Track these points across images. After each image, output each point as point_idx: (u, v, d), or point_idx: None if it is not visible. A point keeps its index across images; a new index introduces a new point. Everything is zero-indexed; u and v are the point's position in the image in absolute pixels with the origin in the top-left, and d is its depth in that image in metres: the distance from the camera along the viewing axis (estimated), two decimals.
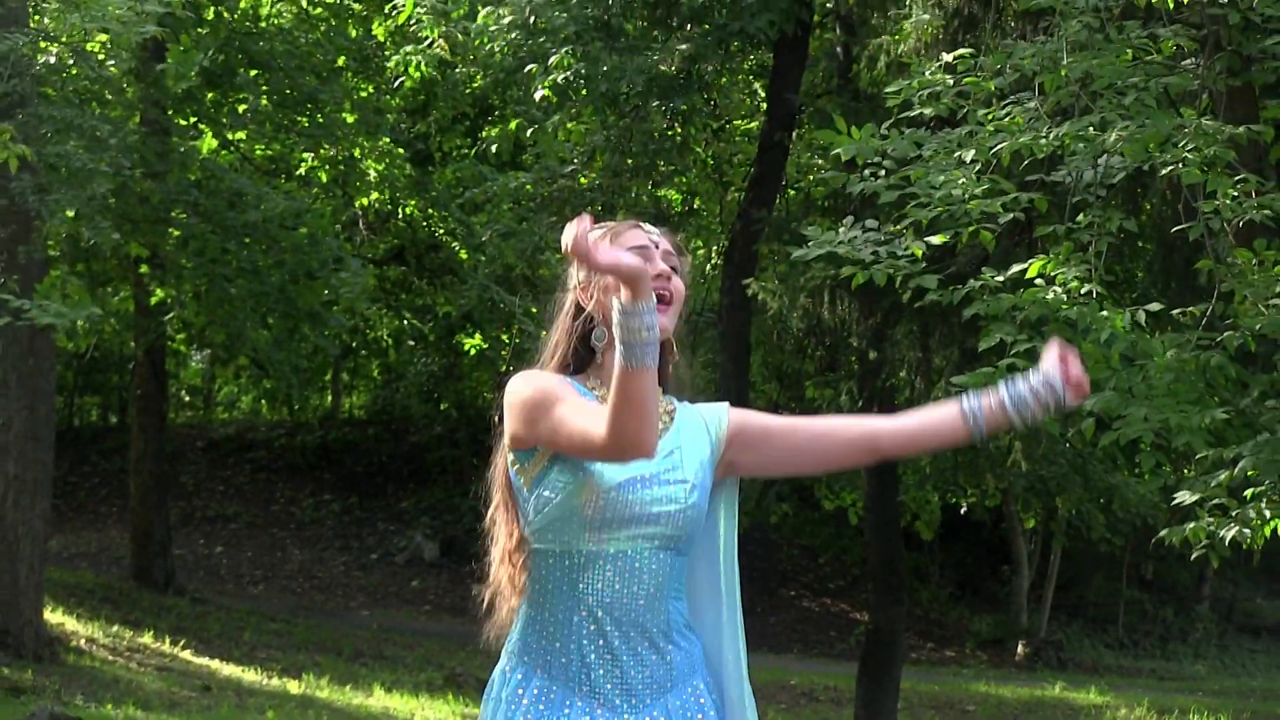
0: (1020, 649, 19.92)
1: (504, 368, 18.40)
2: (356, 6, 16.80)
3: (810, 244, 6.52)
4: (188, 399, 26.04)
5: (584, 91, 11.00)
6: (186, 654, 13.02)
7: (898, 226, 6.51)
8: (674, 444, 2.81)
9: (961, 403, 2.76)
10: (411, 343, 22.54)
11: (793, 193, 13.27)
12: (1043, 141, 6.21)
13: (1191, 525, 6.41)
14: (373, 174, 15.79)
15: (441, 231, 16.62)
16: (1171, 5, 6.49)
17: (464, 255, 15.29)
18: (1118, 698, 16.32)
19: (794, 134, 12.65)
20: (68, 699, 10.34)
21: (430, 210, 16.28)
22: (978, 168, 6.33)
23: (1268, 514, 6.32)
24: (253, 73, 14.71)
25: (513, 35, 10.91)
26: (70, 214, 10.58)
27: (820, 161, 12.26)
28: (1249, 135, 6.24)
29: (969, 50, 6.70)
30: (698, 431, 2.85)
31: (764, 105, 13.23)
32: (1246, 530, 6.31)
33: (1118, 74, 6.22)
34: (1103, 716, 15.40)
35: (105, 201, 11.36)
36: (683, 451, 2.80)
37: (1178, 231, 6.60)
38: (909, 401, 11.53)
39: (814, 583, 21.44)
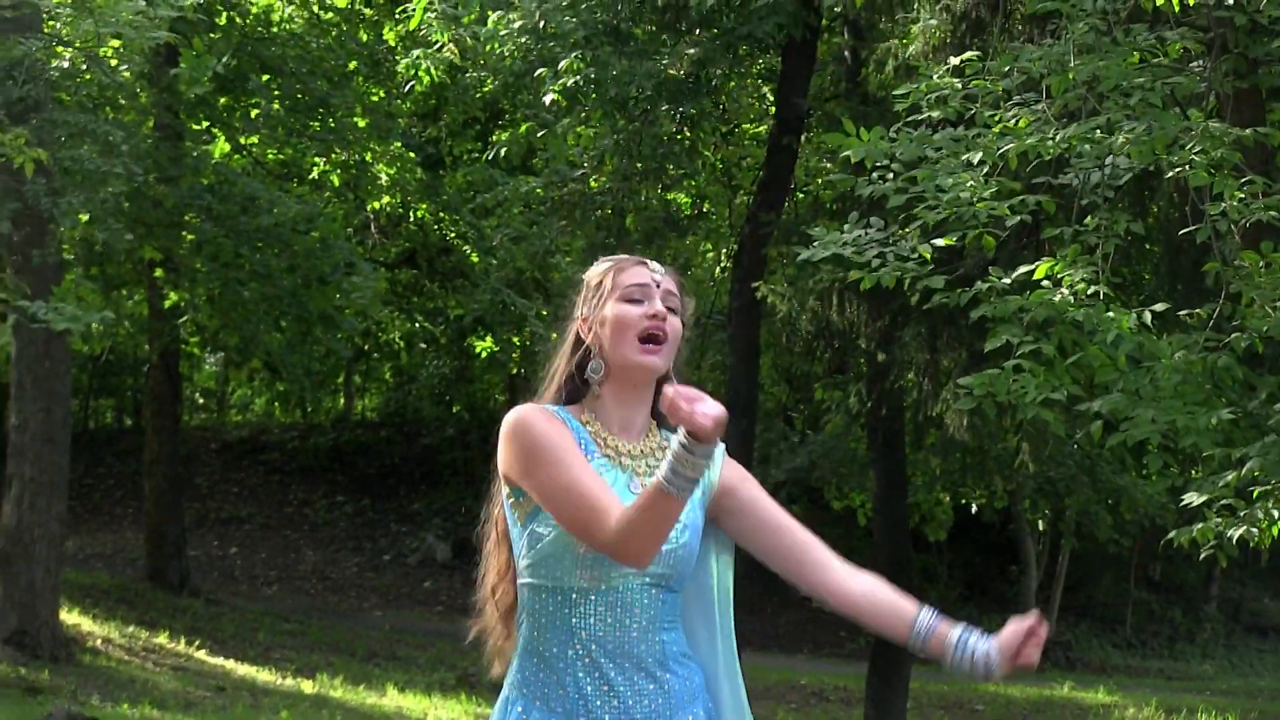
0: None
1: (515, 370, 18.46)
2: (368, 11, 16.87)
3: (815, 244, 6.57)
4: (201, 401, 26.13)
5: (593, 96, 11.03)
6: (201, 654, 13.08)
7: (904, 230, 6.54)
8: None
9: (917, 614, 2.75)
10: (423, 346, 22.62)
11: (801, 196, 13.27)
12: (1050, 143, 6.23)
13: (1199, 525, 6.45)
14: (384, 178, 15.83)
15: (453, 235, 16.67)
16: (1178, 8, 6.50)
17: (475, 259, 15.33)
18: (1126, 697, 16.34)
19: (802, 137, 12.67)
20: (84, 699, 10.41)
21: (441, 214, 16.33)
22: (985, 170, 6.36)
23: (1275, 514, 6.36)
24: (265, 78, 14.78)
25: (523, 40, 10.94)
26: (84, 217, 10.65)
27: (829, 164, 12.29)
28: (1256, 137, 6.27)
29: (976, 53, 6.74)
30: None
31: (772, 109, 13.24)
32: (1254, 530, 6.36)
33: (1125, 76, 6.24)
34: (1111, 716, 15.41)
35: (119, 204, 11.43)
36: None
37: (1185, 233, 6.60)
38: (917, 403, 11.56)
39: None
